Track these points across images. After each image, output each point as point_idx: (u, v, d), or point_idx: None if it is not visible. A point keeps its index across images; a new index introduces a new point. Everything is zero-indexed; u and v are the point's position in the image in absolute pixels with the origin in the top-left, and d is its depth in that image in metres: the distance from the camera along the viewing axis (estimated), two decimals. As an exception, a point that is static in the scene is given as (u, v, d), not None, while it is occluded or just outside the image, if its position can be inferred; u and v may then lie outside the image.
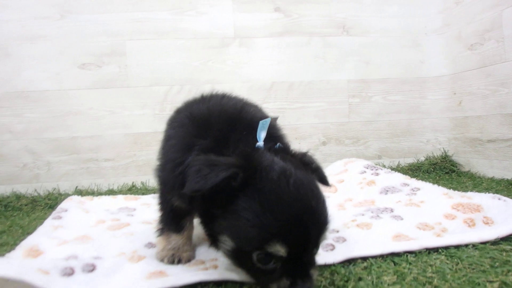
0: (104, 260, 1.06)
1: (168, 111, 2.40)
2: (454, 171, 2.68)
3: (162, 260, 1.09)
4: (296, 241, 0.81)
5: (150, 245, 1.23)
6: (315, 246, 0.87)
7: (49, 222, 1.48)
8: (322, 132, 2.76)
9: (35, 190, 2.32)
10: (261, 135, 0.98)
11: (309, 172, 0.94)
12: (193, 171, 0.82)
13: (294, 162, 0.91)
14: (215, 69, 2.60)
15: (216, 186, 0.79)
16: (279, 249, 0.80)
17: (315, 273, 0.87)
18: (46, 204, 2.12)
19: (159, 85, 2.51)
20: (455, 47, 2.70)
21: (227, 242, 0.85)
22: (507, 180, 2.21)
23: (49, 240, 1.23)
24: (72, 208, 1.69)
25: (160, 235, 1.17)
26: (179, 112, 1.20)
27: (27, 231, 1.50)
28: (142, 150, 2.49)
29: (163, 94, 2.50)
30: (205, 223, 0.95)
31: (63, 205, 1.74)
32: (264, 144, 0.96)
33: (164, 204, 1.17)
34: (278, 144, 1.01)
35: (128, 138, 2.49)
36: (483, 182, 2.20)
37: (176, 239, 1.14)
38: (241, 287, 0.93)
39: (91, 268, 1.00)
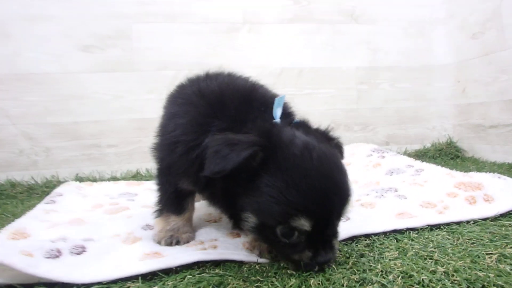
0: (95, 242, 1.03)
1: None
2: (458, 156, 2.71)
3: (159, 242, 1.05)
4: (321, 215, 0.81)
5: (148, 227, 1.19)
6: (338, 218, 0.87)
7: (40, 206, 1.43)
8: (331, 119, 2.74)
9: (32, 177, 2.24)
10: (278, 112, 0.96)
11: (331, 146, 0.93)
12: (212, 152, 0.79)
13: (316, 136, 0.90)
14: (224, 54, 2.57)
15: (237, 166, 0.77)
16: (304, 223, 0.79)
17: (336, 244, 0.88)
18: (43, 192, 2.02)
19: (167, 69, 2.47)
20: (459, 36, 2.74)
21: (250, 219, 0.84)
22: (509, 163, 2.25)
23: (38, 223, 1.19)
24: (68, 193, 1.62)
25: (158, 216, 1.13)
26: (183, 88, 1.15)
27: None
28: (148, 136, 2.44)
29: (171, 79, 2.43)
30: (225, 203, 0.93)
31: (59, 189, 1.67)
32: (281, 121, 0.94)
33: (166, 185, 1.13)
34: (296, 120, 1.00)
35: (134, 123, 2.46)
36: (485, 166, 2.23)
37: (175, 221, 1.10)
38: (240, 267, 0.92)
39: (80, 250, 0.96)
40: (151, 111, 2.45)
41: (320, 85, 2.72)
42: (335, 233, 0.88)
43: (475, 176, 1.45)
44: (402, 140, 2.85)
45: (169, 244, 1.04)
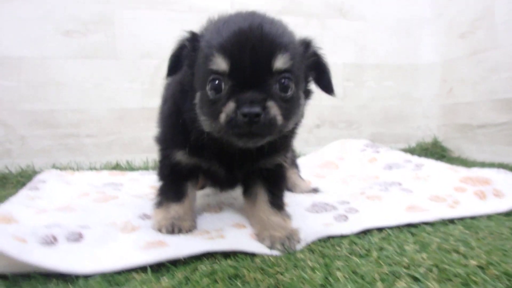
0: (92, 229, 0.93)
1: (159, 86, 2.26)
2: (444, 156, 2.69)
3: (160, 230, 0.98)
4: (239, 55, 0.81)
5: (145, 216, 1.10)
6: (268, 70, 0.83)
7: (24, 192, 1.31)
8: (317, 115, 2.69)
9: (6, 166, 2.09)
10: None
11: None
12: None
13: None
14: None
15: (177, 61, 0.93)
16: (220, 63, 0.82)
17: (272, 106, 0.82)
18: (18, 181, 1.89)
19: (150, 58, 2.35)
20: (446, 35, 2.73)
21: (197, 96, 0.90)
22: (498, 163, 2.20)
23: (24, 208, 1.08)
24: (51, 180, 1.51)
25: (158, 207, 1.06)
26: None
27: (-4, 208, 1.31)
28: (129, 126, 2.33)
29: (154, 68, 2.33)
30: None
31: (41, 176, 1.56)
32: None
33: (164, 168, 1.08)
34: None
35: (114, 113, 2.32)
36: (475, 166, 2.19)
37: (176, 209, 1.03)
38: (253, 258, 0.84)
39: (77, 237, 0.87)
40: (133, 100, 2.33)
41: None
42: (267, 91, 0.83)
43: (480, 172, 1.42)
44: (387, 138, 2.82)
45: (171, 232, 0.97)
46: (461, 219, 1.11)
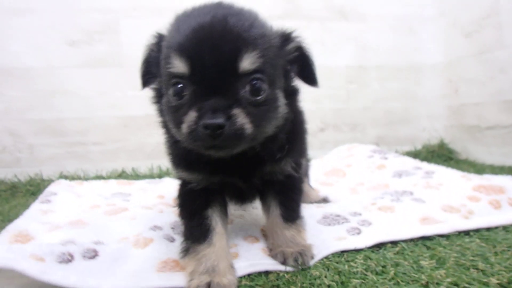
0: (106, 246, 0.93)
1: None
2: (452, 158, 2.66)
3: None
4: (199, 55, 0.72)
5: (156, 228, 1.07)
6: (233, 72, 0.73)
7: (36, 206, 1.32)
8: (320, 118, 2.68)
9: (15, 175, 2.13)
10: None
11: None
12: None
13: None
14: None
15: (147, 67, 0.95)
16: (179, 64, 0.74)
17: (239, 114, 0.73)
18: (27, 190, 1.94)
19: (153, 66, 2.36)
20: (451, 34, 2.69)
21: (163, 102, 0.85)
22: (509, 166, 2.18)
23: (39, 225, 1.08)
24: (61, 192, 1.52)
25: (185, 255, 0.87)
26: None
27: (8, 219, 1.33)
28: (134, 134, 2.35)
29: (157, 76, 2.34)
30: None
31: (51, 188, 1.57)
32: None
33: (180, 199, 0.96)
34: None
35: (119, 120, 2.34)
36: (485, 169, 2.17)
37: (206, 253, 0.84)
38: (267, 275, 0.85)
39: (93, 254, 0.87)
40: (137, 108, 2.34)
41: None
42: (233, 98, 0.74)
43: (493, 179, 1.41)
44: (392, 141, 2.80)
45: None
46: (477, 231, 1.10)
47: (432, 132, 2.86)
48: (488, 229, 1.11)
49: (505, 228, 1.13)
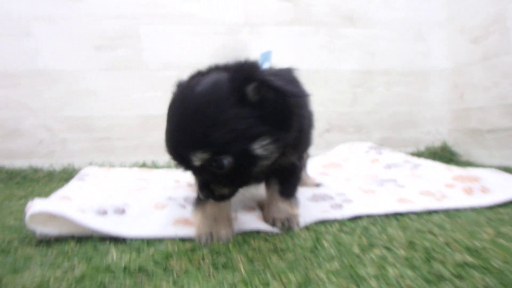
0: (131, 207, 1.15)
1: None
2: (452, 160, 2.75)
3: (199, 239, 0.97)
4: (172, 153, 0.90)
5: (171, 198, 1.29)
6: (195, 163, 0.86)
7: (73, 183, 1.57)
8: (326, 121, 2.83)
9: (51, 165, 2.40)
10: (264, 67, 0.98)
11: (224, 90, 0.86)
12: None
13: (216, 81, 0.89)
14: (225, 55, 2.69)
15: None
16: (171, 159, 0.90)
17: (215, 187, 0.92)
18: (61, 177, 2.20)
19: (171, 69, 2.60)
20: (458, 40, 2.75)
21: None
22: (506, 167, 2.23)
23: (78, 192, 1.33)
24: (93, 173, 1.78)
25: (195, 208, 1.07)
26: None
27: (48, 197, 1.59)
28: (152, 130, 2.58)
29: (174, 78, 2.55)
30: None
31: (85, 171, 1.83)
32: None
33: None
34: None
35: (140, 119, 2.57)
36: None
37: (211, 205, 1.03)
38: (258, 233, 1.04)
39: (122, 211, 1.10)
40: (156, 108, 2.56)
41: (316, 87, 2.73)
42: (216, 179, 0.90)
43: (472, 171, 1.55)
44: (396, 143, 2.89)
45: (206, 243, 0.95)
46: (446, 211, 1.24)
47: (436, 135, 2.94)
48: (457, 210, 1.25)
49: (473, 209, 1.26)
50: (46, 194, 1.59)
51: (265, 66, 1.00)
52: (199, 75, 0.98)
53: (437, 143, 2.90)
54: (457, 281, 0.71)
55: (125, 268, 0.79)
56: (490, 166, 2.36)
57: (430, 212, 1.24)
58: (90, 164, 2.42)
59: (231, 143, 0.83)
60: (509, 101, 2.33)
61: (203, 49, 2.65)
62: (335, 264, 0.79)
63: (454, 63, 2.81)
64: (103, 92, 2.52)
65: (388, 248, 0.89)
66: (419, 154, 2.80)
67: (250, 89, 0.85)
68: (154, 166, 2.48)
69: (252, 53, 2.63)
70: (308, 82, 2.98)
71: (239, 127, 0.83)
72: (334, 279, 0.72)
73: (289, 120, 0.93)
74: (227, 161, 0.84)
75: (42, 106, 2.44)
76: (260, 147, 0.86)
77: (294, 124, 0.95)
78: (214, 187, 0.92)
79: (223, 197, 0.95)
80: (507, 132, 2.36)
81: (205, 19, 2.65)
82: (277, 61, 2.91)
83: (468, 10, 2.65)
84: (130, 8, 2.54)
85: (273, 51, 2.66)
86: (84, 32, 2.48)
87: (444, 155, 2.81)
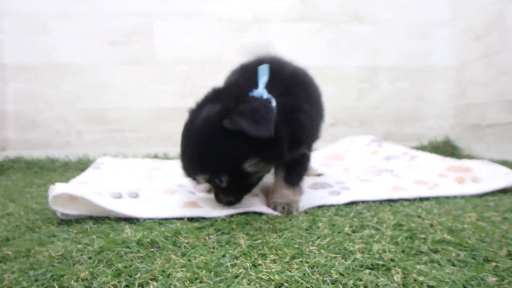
0: (144, 191, 1.25)
1: (190, 89, 2.65)
2: (454, 154, 2.82)
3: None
4: (185, 173, 1.10)
5: (181, 186, 1.39)
6: (201, 181, 1.09)
7: (89, 171, 1.69)
8: (332, 115, 2.91)
9: (67, 155, 2.54)
10: (261, 82, 1.10)
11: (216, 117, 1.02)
12: None
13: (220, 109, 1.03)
14: (234, 50, 2.78)
15: None
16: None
17: (223, 196, 1.14)
18: (77, 167, 2.34)
19: (182, 64, 2.70)
20: (461, 38, 2.82)
21: None
22: (503, 160, 2.33)
23: (95, 178, 1.45)
24: (108, 163, 1.90)
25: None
26: None
27: (67, 185, 1.71)
28: (164, 123, 2.69)
29: (186, 73, 2.68)
30: None
31: (100, 160, 1.94)
32: (269, 89, 1.10)
33: None
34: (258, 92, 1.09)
35: (152, 112, 2.69)
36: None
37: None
38: (260, 216, 1.13)
39: (135, 195, 1.20)
40: (167, 101, 2.67)
41: (322, 82, 2.80)
42: (221, 190, 1.12)
43: (466, 162, 1.62)
44: (399, 137, 2.96)
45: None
46: (437, 198, 1.33)
47: (438, 130, 3.02)
48: (448, 198, 1.34)
49: (463, 197, 1.35)
50: (63, 182, 1.69)
51: (262, 81, 1.11)
52: (202, 104, 1.10)
53: (440, 138, 2.98)
54: (433, 254, 0.80)
55: (138, 241, 0.89)
56: (489, 159, 2.44)
57: (422, 199, 1.33)
58: (104, 155, 2.52)
59: (224, 165, 1.03)
60: (507, 97, 2.41)
61: (213, 45, 2.75)
62: (327, 241, 0.88)
63: (457, 61, 2.88)
64: (117, 86, 2.63)
65: (376, 229, 0.99)
66: (422, 148, 2.86)
67: (226, 123, 1.00)
68: (166, 157, 2.58)
69: (260, 49, 2.72)
70: (315, 78, 3.10)
71: (228, 152, 1.02)
72: (324, 252, 0.82)
73: (274, 136, 0.98)
74: (224, 178, 1.05)
75: (59, 99, 2.58)
76: (250, 166, 1.04)
77: (282, 135, 1.06)
78: (221, 195, 1.14)
79: (230, 203, 1.16)
80: (505, 127, 2.44)
81: (215, 16, 2.74)
82: (286, 57, 3.00)
83: (472, 8, 2.71)
84: (144, 5, 2.65)
85: (281, 48, 2.76)
86: (99, 28, 2.60)
87: (446, 149, 2.88)
